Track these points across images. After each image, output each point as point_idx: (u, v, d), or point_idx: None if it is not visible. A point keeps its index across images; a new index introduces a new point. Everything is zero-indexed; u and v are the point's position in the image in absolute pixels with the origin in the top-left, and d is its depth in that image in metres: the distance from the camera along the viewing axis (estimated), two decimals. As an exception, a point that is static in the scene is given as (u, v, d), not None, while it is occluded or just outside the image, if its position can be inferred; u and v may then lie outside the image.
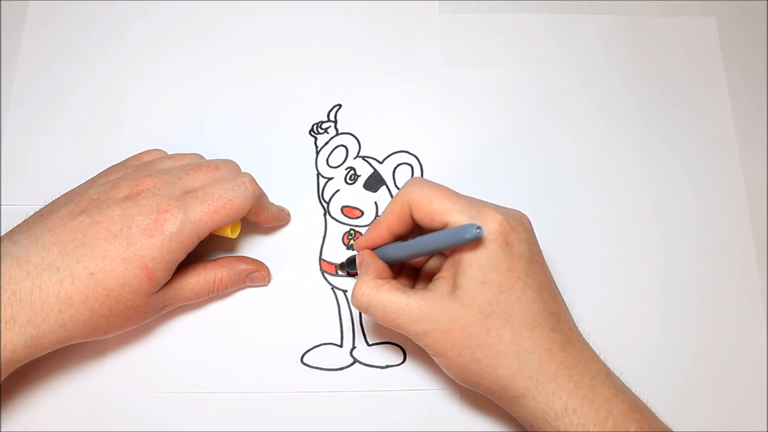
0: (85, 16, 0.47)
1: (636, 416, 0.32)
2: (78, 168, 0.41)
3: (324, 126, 0.45)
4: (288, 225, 0.43)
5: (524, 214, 0.34)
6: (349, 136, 0.45)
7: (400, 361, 0.40)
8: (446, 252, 0.34)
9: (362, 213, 0.43)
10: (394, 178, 0.44)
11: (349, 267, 0.41)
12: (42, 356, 0.34)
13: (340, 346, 0.40)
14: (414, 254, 0.35)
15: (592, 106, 0.46)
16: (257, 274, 0.40)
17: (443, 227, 0.33)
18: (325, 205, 0.43)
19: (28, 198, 0.42)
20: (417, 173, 0.44)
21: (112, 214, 0.34)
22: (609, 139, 0.45)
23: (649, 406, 0.34)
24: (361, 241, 0.38)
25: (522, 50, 0.47)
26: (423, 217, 0.34)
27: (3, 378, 0.33)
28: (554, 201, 0.43)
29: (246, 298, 0.41)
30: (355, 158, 0.44)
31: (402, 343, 0.40)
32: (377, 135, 0.44)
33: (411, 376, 0.40)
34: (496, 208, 0.33)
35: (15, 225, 0.36)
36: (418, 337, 0.33)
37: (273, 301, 0.41)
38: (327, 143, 0.44)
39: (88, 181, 0.39)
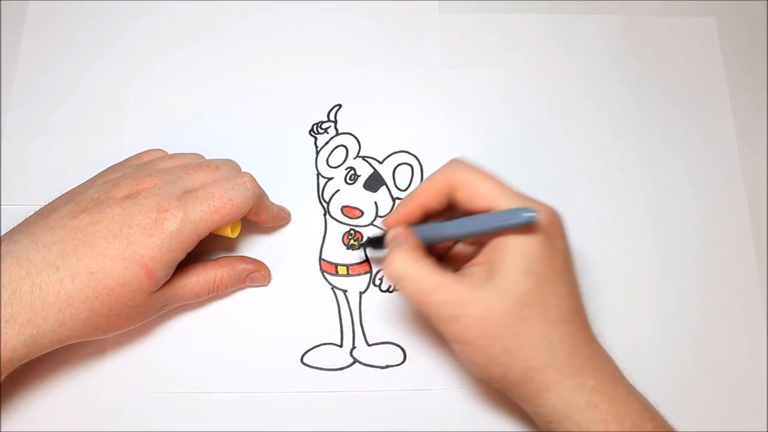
0: (85, 16, 0.47)
1: (649, 415, 0.33)
2: (78, 168, 0.41)
3: (324, 126, 0.45)
4: (288, 225, 0.43)
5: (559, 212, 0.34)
6: (349, 136, 0.45)
7: (400, 361, 0.40)
8: (484, 239, 0.34)
9: (362, 213, 0.43)
10: (394, 178, 0.44)
11: (371, 246, 0.39)
12: (42, 356, 0.34)
13: (340, 346, 0.40)
14: (458, 235, 0.34)
15: (592, 106, 0.46)
16: (257, 274, 0.40)
17: (486, 212, 0.33)
18: (325, 205, 0.43)
19: (28, 198, 0.42)
20: (417, 173, 0.44)
21: (112, 213, 0.34)
22: (609, 139, 0.45)
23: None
24: (390, 218, 0.37)
25: (522, 50, 0.47)
26: (465, 199, 0.33)
27: (3, 377, 0.33)
28: (554, 201, 0.43)
29: (246, 298, 0.41)
30: (355, 158, 0.44)
31: (402, 343, 0.40)
32: (377, 135, 0.44)
33: (411, 376, 0.40)
34: (544, 202, 0.33)
35: (15, 225, 0.36)
36: (446, 321, 0.32)
37: (273, 301, 0.41)
38: (327, 143, 0.44)
39: (88, 180, 0.39)
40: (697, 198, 0.44)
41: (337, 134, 0.45)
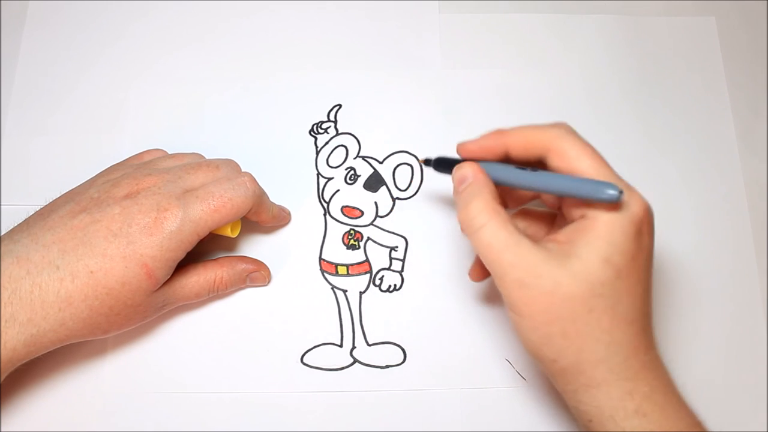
0: (85, 16, 0.47)
1: (698, 429, 0.31)
2: (78, 168, 0.41)
3: (324, 126, 0.45)
4: (288, 225, 0.43)
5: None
6: (349, 136, 0.45)
7: (400, 361, 0.40)
8: (559, 207, 0.32)
9: (362, 213, 0.43)
10: (394, 178, 0.44)
11: (440, 167, 0.36)
12: (42, 356, 0.34)
13: (340, 346, 0.40)
14: (535, 188, 0.32)
15: (591, 106, 0.46)
16: (257, 274, 0.40)
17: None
18: (325, 205, 0.43)
19: (28, 198, 0.42)
20: (417, 173, 0.44)
21: (112, 212, 0.34)
22: (608, 139, 0.45)
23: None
24: (471, 144, 0.34)
25: (522, 50, 0.47)
26: (561, 167, 0.31)
27: (3, 377, 0.33)
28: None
29: (246, 298, 0.41)
30: (355, 158, 0.44)
31: (402, 343, 0.40)
32: (377, 135, 0.44)
33: (411, 376, 0.40)
34: (641, 195, 0.31)
35: (15, 225, 0.36)
36: (511, 285, 0.30)
37: (273, 301, 0.41)
38: (327, 143, 0.44)
39: (88, 180, 0.39)
40: (697, 198, 0.44)
41: (337, 134, 0.45)
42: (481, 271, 0.38)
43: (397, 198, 0.43)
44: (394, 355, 0.40)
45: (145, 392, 0.39)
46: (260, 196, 0.38)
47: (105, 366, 0.39)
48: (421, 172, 0.44)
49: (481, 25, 0.47)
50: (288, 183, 0.43)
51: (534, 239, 0.31)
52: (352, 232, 0.42)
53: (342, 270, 0.42)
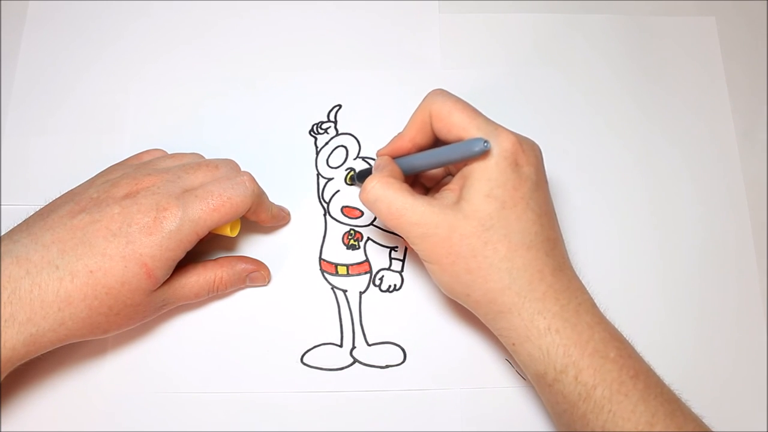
0: (85, 16, 0.47)
1: (616, 344, 0.33)
2: (78, 168, 0.41)
3: (324, 126, 0.45)
4: (288, 225, 0.43)
5: (536, 143, 0.35)
6: (349, 136, 0.45)
7: (400, 361, 0.40)
8: (457, 166, 0.35)
9: (362, 213, 0.43)
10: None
11: (360, 179, 0.41)
12: (42, 356, 0.34)
13: (340, 346, 0.40)
14: (425, 165, 0.36)
15: (592, 106, 0.46)
16: (257, 274, 0.40)
17: (458, 141, 0.34)
18: (325, 205, 0.43)
19: (28, 198, 0.42)
20: (417, 173, 0.44)
21: (112, 212, 0.34)
22: (609, 139, 0.45)
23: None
24: (382, 150, 0.39)
25: (522, 50, 0.47)
26: (442, 128, 0.35)
27: (3, 377, 0.33)
28: (554, 201, 0.43)
29: (246, 298, 0.41)
30: (355, 159, 0.44)
31: (402, 343, 0.40)
32: (377, 135, 0.44)
33: (411, 376, 0.40)
34: (511, 131, 0.34)
35: (15, 225, 0.36)
36: (416, 240, 0.34)
37: (273, 301, 0.41)
38: (327, 143, 0.44)
39: (88, 180, 0.39)
40: (697, 198, 0.44)
41: (337, 134, 0.45)
42: None
43: (397, 198, 0.43)
44: (394, 355, 0.40)
45: (145, 392, 0.39)
46: (259, 196, 0.38)
47: (105, 366, 0.39)
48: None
49: (481, 25, 0.47)
50: (288, 183, 0.43)
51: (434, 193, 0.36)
52: (352, 232, 0.43)
53: (342, 270, 0.42)
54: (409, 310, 0.41)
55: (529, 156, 0.34)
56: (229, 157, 0.39)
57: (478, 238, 0.33)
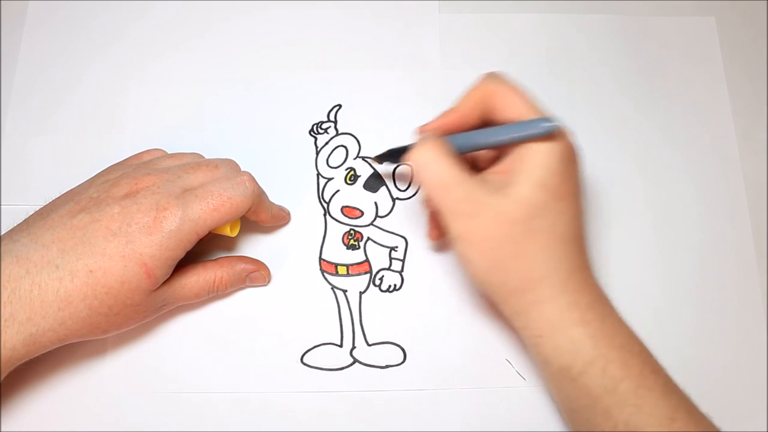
0: (85, 16, 0.47)
1: (637, 340, 0.34)
2: (78, 168, 0.41)
3: (324, 126, 0.45)
4: (288, 225, 0.43)
5: None
6: (349, 136, 0.45)
7: (400, 361, 0.40)
8: (508, 150, 0.35)
9: (362, 213, 0.43)
10: (394, 179, 0.44)
11: (392, 156, 0.40)
12: (42, 356, 0.34)
13: (340, 346, 0.40)
14: (484, 142, 0.35)
15: (591, 106, 0.46)
16: (257, 274, 0.40)
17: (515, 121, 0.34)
18: (325, 205, 0.43)
19: (28, 198, 0.42)
20: (417, 173, 0.44)
21: (112, 212, 0.34)
22: (608, 139, 0.45)
23: None
24: (427, 126, 0.37)
25: (522, 50, 0.47)
26: (499, 104, 0.35)
27: (3, 377, 0.33)
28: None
29: (246, 298, 0.41)
30: (355, 158, 0.44)
31: (402, 343, 0.40)
32: (377, 135, 0.44)
33: (411, 376, 0.40)
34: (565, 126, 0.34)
35: (15, 224, 0.36)
36: (459, 218, 0.33)
37: (273, 301, 0.41)
38: (327, 143, 0.44)
39: (88, 180, 0.39)
40: (697, 198, 0.44)
41: (337, 134, 0.45)
42: (437, 229, 0.40)
43: (397, 198, 0.43)
44: (394, 355, 0.40)
45: (145, 392, 0.39)
46: (259, 195, 0.38)
47: (105, 366, 0.39)
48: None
49: (481, 25, 0.47)
50: (288, 183, 0.43)
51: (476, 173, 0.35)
52: (352, 232, 0.43)
53: (342, 270, 0.42)
54: (409, 310, 0.41)
55: (576, 155, 0.35)
56: (229, 157, 0.39)
57: (525, 225, 0.33)
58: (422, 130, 0.37)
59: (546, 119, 0.32)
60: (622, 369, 0.32)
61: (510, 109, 0.34)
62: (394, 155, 0.40)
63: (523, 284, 0.34)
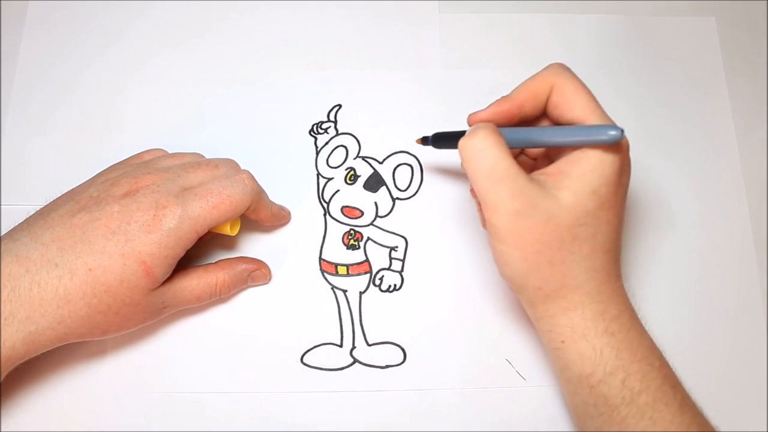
0: (85, 16, 0.47)
1: (658, 354, 0.34)
2: (78, 168, 0.41)
3: (324, 126, 0.45)
4: (288, 225, 0.43)
5: None
6: (349, 136, 0.45)
7: (400, 361, 0.40)
8: (561, 152, 0.34)
9: (362, 213, 0.43)
10: (394, 179, 0.44)
11: (441, 141, 0.38)
12: (42, 356, 0.34)
13: (340, 346, 0.40)
14: (543, 141, 0.33)
15: (592, 106, 0.46)
16: (258, 273, 0.40)
17: (574, 124, 0.33)
18: (325, 205, 0.43)
19: (28, 198, 0.42)
20: (417, 173, 0.44)
21: (111, 210, 0.34)
22: (609, 139, 0.45)
23: None
24: (481, 113, 0.35)
25: (522, 50, 0.47)
26: (561, 104, 0.33)
27: (3, 376, 0.33)
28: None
29: (246, 298, 0.41)
30: (355, 158, 0.44)
31: (402, 343, 0.40)
32: (377, 135, 0.44)
33: (411, 376, 0.40)
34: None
35: (16, 224, 0.36)
36: (506, 215, 0.32)
37: (273, 301, 0.41)
38: (327, 143, 0.44)
39: (89, 179, 0.39)
40: (697, 198, 0.44)
41: (337, 134, 0.45)
42: None
43: (397, 198, 0.43)
44: (394, 355, 0.40)
45: (145, 392, 0.39)
46: (259, 194, 0.38)
47: (105, 365, 0.39)
48: (421, 173, 0.44)
49: (481, 25, 0.47)
50: (288, 183, 0.43)
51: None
52: (352, 232, 0.42)
53: (342, 270, 0.42)
54: (409, 310, 0.41)
55: (629, 165, 0.34)
56: (229, 157, 0.39)
57: (570, 232, 0.32)
58: (473, 118, 0.36)
59: (614, 127, 0.31)
60: (642, 382, 0.32)
61: (572, 108, 0.33)
62: (441, 140, 0.38)
63: (558, 291, 0.33)
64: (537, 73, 0.34)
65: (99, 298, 0.33)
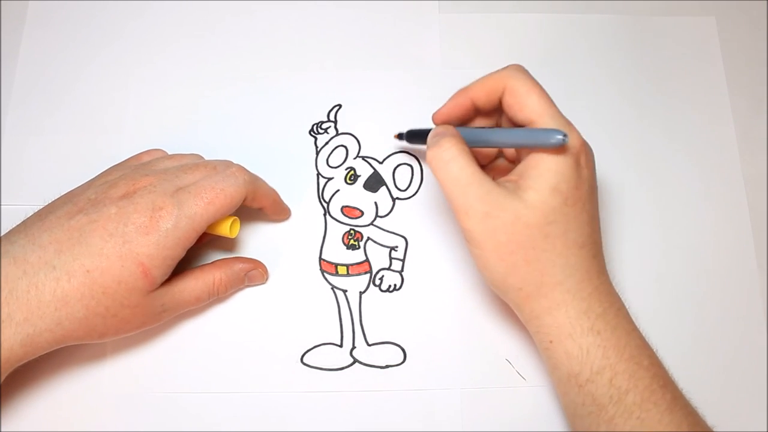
0: (85, 16, 0.47)
1: (648, 353, 0.34)
2: (78, 168, 0.41)
3: (324, 126, 0.45)
4: (288, 225, 0.43)
5: (592, 150, 0.36)
6: (349, 136, 0.45)
7: (400, 361, 0.40)
8: (518, 158, 0.35)
9: (362, 213, 0.43)
10: (394, 179, 0.44)
11: (413, 138, 0.40)
12: (42, 358, 0.34)
13: (340, 346, 0.40)
14: (496, 141, 0.35)
15: (591, 106, 0.46)
16: (255, 272, 0.40)
17: (526, 124, 0.34)
18: (325, 205, 0.43)
19: (28, 198, 0.42)
20: (417, 173, 0.44)
21: (109, 212, 0.34)
22: (608, 139, 0.45)
23: None
24: (441, 110, 0.38)
25: (522, 50, 0.47)
26: (513, 105, 0.34)
27: (2, 379, 0.33)
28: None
29: (246, 298, 0.41)
30: (355, 158, 0.44)
31: (402, 343, 0.40)
32: (377, 135, 0.44)
33: (411, 376, 0.40)
34: (577, 129, 0.34)
35: (14, 226, 0.36)
36: (476, 218, 0.33)
37: (273, 301, 0.41)
38: (327, 143, 0.44)
39: (87, 182, 0.39)
40: (697, 198, 0.44)
41: (337, 134, 0.45)
42: None
43: (397, 198, 0.43)
44: (394, 355, 0.40)
45: (145, 392, 0.39)
46: (253, 183, 0.38)
47: (105, 366, 0.39)
48: (421, 173, 0.44)
49: (481, 25, 0.47)
50: (288, 183, 0.43)
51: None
52: (352, 232, 0.42)
53: (342, 270, 0.42)
54: (409, 310, 0.41)
55: (589, 159, 0.35)
56: (228, 158, 0.39)
57: (540, 230, 0.33)
58: (436, 116, 0.38)
59: (558, 131, 0.32)
60: (630, 381, 0.32)
61: (523, 109, 0.34)
62: (414, 137, 0.40)
63: (538, 290, 0.34)
64: (494, 72, 0.36)
65: (97, 300, 0.33)
